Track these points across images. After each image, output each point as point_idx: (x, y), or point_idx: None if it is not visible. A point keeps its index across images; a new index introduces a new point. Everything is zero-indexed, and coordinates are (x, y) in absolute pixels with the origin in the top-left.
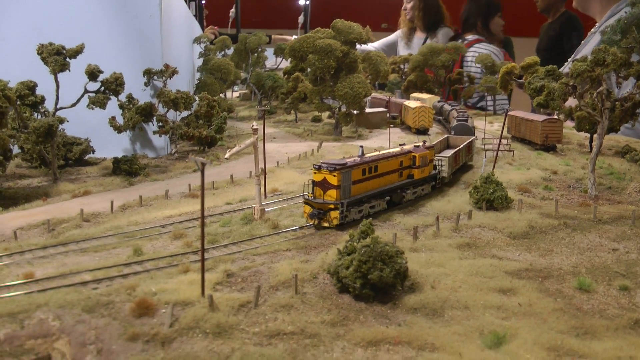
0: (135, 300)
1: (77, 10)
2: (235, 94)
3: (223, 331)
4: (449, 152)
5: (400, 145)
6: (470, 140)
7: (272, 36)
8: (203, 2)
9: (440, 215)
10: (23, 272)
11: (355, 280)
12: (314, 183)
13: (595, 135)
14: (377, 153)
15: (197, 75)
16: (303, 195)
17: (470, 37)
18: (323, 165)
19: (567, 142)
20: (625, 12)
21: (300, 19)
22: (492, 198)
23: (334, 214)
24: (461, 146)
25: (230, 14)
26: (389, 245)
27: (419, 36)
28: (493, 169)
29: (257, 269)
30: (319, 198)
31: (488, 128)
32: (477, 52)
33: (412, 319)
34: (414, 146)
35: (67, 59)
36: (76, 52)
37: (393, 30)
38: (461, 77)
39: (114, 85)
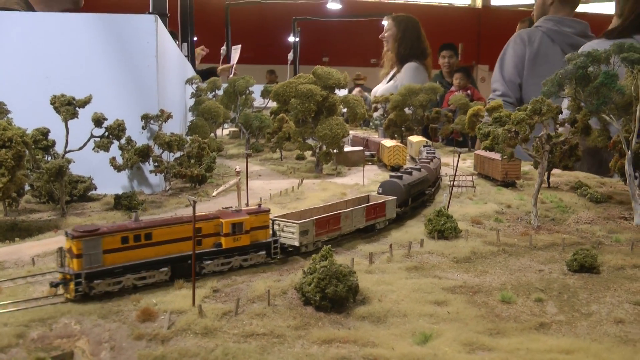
0: (139, 309)
1: (82, 61)
2: (225, 132)
3: (209, 332)
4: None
5: (254, 204)
6: (384, 201)
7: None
8: (195, 39)
9: (397, 244)
10: (46, 289)
11: (315, 294)
12: (66, 250)
13: (553, 172)
14: (157, 218)
15: (189, 114)
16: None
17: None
18: (68, 232)
19: (530, 178)
20: (564, 68)
21: (290, 55)
22: (442, 229)
23: (72, 285)
24: (353, 208)
25: (222, 51)
26: (343, 266)
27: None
28: (448, 205)
29: (238, 287)
30: (67, 266)
31: (461, 165)
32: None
33: (360, 324)
34: (233, 210)
35: (77, 109)
36: (85, 103)
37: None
38: (439, 116)
39: (117, 131)
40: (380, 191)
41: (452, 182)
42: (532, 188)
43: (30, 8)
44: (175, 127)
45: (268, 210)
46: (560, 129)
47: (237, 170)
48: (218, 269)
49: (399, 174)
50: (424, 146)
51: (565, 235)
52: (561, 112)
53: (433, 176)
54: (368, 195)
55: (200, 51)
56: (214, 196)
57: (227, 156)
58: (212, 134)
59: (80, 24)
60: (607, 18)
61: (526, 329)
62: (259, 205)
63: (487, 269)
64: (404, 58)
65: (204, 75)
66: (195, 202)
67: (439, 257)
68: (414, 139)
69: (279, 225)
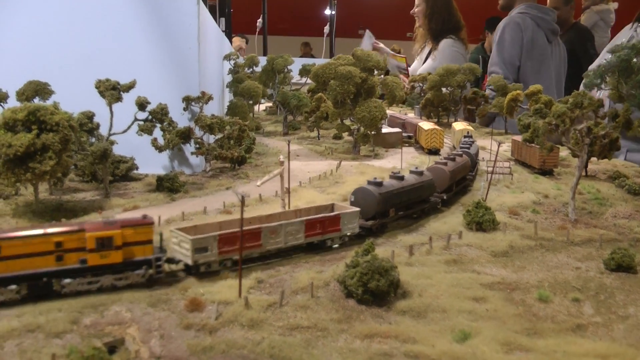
0: (187, 298)
1: (124, 42)
2: (262, 107)
3: (255, 324)
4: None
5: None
6: (336, 214)
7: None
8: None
9: (435, 234)
10: None
11: (358, 288)
12: None
13: (591, 159)
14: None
15: (227, 90)
16: None
17: None
18: None
19: (566, 165)
20: (605, 60)
21: (326, 28)
22: (481, 221)
23: None
24: (282, 222)
25: (258, 23)
26: (385, 261)
27: (429, 47)
28: (486, 196)
29: (281, 277)
30: None
31: (496, 149)
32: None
33: (400, 319)
34: (106, 222)
35: (121, 93)
36: (129, 87)
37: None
38: (476, 97)
39: (160, 114)
40: (352, 199)
41: (490, 174)
42: (569, 176)
43: None
44: (215, 103)
45: (151, 223)
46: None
47: (281, 160)
48: (84, 289)
49: (466, 144)
50: (465, 136)
51: (603, 231)
52: (602, 106)
53: (473, 160)
54: (332, 204)
55: (240, 43)
56: (258, 186)
57: (264, 134)
58: (251, 114)
59: (122, 5)
60: None
61: (563, 330)
62: (144, 216)
63: (525, 264)
64: (436, 34)
65: None
66: (244, 197)
67: (477, 251)
68: (458, 126)
69: (176, 238)
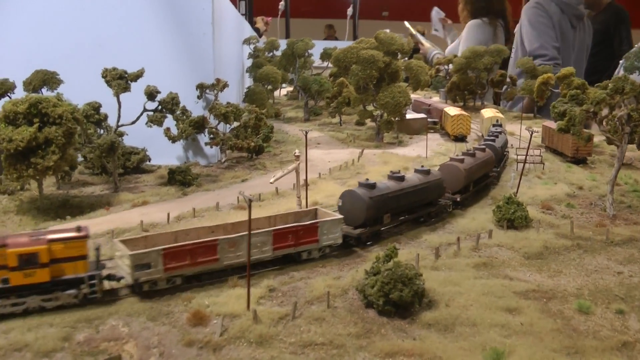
0: (191, 311)
1: (136, 28)
2: (283, 92)
3: (264, 341)
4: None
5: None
6: (313, 223)
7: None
8: None
9: (463, 233)
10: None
11: (378, 298)
12: None
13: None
14: None
15: (246, 75)
16: None
17: None
18: None
19: (600, 152)
20: None
21: (349, 10)
22: (512, 218)
23: None
24: (244, 233)
25: (280, 6)
26: (408, 269)
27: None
28: (517, 190)
29: (295, 285)
30: None
31: (526, 134)
32: None
33: (426, 334)
34: (31, 237)
35: (129, 82)
36: (137, 76)
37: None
38: (503, 79)
39: (170, 105)
40: (340, 203)
41: (522, 163)
42: (604, 165)
43: None
44: (232, 89)
45: (85, 236)
46: None
47: (297, 154)
48: (7, 312)
49: (496, 132)
50: (494, 125)
51: None
52: None
53: (499, 155)
54: (316, 209)
55: (263, 25)
56: (271, 183)
57: (285, 120)
58: (270, 100)
59: None
60: None
61: (607, 349)
62: (79, 227)
63: (561, 268)
64: (475, 15)
65: None
66: (251, 201)
67: (509, 252)
68: (487, 113)
69: (120, 252)
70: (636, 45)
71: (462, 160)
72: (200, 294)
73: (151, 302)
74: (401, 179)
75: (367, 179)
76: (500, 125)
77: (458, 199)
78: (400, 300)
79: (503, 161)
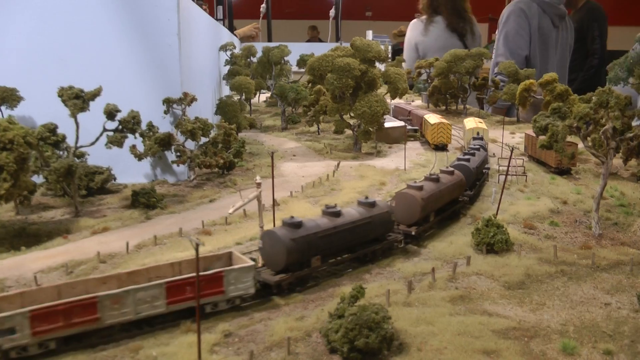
0: None
1: (98, 41)
2: (262, 98)
3: None
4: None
5: None
6: (217, 272)
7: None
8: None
9: (440, 260)
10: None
11: (343, 345)
12: None
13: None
14: None
15: (223, 82)
16: None
17: None
18: None
19: (585, 161)
20: (634, 49)
21: (332, 12)
22: (492, 242)
23: None
24: (130, 288)
25: (262, 8)
26: (376, 311)
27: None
28: (497, 211)
29: (254, 328)
30: None
31: (509, 141)
32: None
33: None
34: None
35: (86, 101)
36: (94, 95)
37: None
38: (486, 83)
39: (131, 124)
40: (260, 244)
41: (501, 189)
42: (588, 175)
43: None
44: (206, 101)
45: None
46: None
47: (258, 182)
48: None
49: (476, 146)
50: (474, 138)
51: (632, 250)
52: (630, 104)
53: (472, 176)
54: (230, 253)
55: (253, 30)
56: (230, 214)
57: (262, 129)
58: (247, 107)
59: (95, 3)
60: None
61: None
62: None
63: (544, 299)
64: (433, 11)
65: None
66: (198, 245)
67: (489, 281)
68: (469, 124)
69: None
70: (628, 53)
71: (420, 188)
72: (150, 342)
73: (94, 352)
74: (337, 214)
75: (292, 217)
76: (481, 139)
77: (413, 233)
78: (367, 347)
79: (482, 180)
